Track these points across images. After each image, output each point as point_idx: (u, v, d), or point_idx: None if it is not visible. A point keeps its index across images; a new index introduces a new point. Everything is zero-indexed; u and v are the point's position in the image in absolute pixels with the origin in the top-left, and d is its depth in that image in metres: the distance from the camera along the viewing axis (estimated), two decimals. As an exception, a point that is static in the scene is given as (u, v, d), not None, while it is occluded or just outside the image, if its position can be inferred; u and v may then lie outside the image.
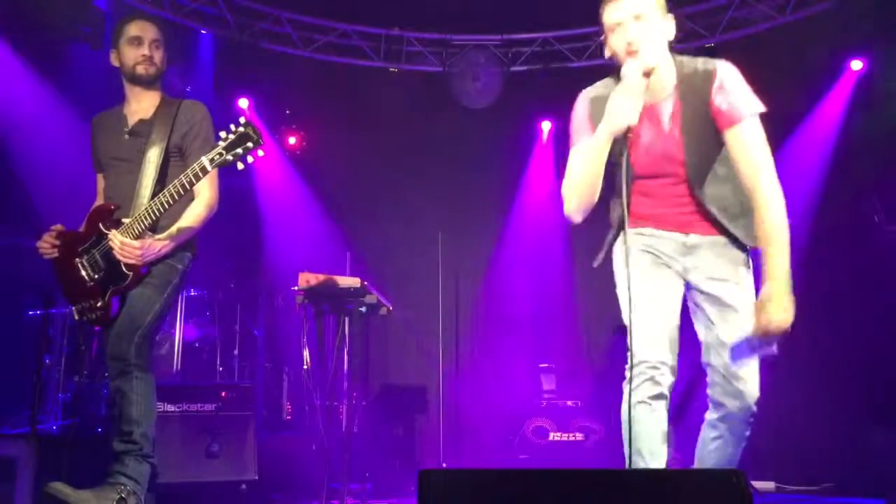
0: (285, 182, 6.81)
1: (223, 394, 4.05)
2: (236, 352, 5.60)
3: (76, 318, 2.85)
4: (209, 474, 3.82)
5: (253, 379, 5.60)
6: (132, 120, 2.94)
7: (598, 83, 2.49)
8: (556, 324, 6.57)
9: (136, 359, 2.66)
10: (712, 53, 6.10)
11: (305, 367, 4.78)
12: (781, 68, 5.65)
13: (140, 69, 2.92)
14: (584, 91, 2.50)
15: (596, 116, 2.34)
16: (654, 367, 2.29)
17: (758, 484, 4.80)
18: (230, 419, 3.97)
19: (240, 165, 2.57)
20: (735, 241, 2.37)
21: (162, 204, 2.65)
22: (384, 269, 6.35)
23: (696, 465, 2.49)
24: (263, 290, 6.24)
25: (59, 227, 2.92)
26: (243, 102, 6.67)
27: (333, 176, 6.77)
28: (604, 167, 2.30)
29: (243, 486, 3.84)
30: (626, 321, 2.35)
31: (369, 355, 5.31)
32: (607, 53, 2.37)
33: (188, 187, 2.63)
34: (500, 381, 6.39)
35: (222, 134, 2.56)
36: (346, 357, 4.52)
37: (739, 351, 2.34)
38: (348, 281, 4.27)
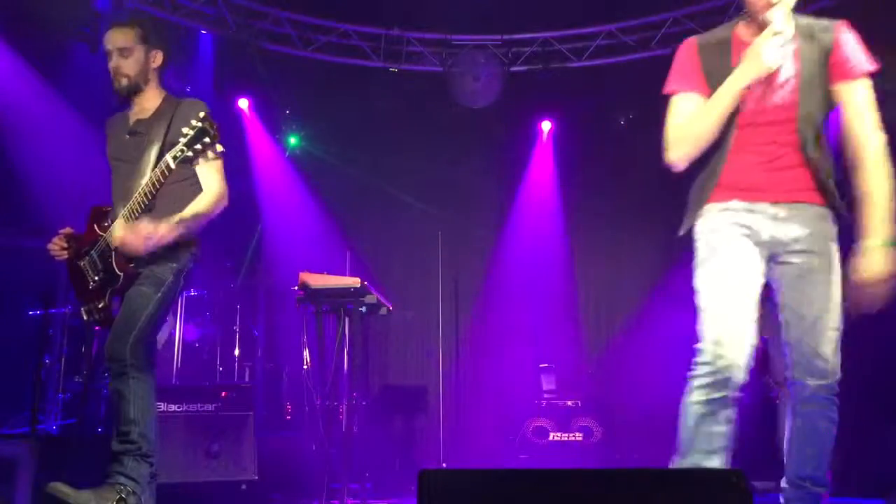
0: (285, 182, 6.81)
1: (223, 394, 4.04)
2: (236, 352, 5.60)
3: (84, 318, 2.88)
4: (209, 474, 3.81)
5: (253, 379, 5.60)
6: (133, 120, 2.95)
7: (707, 33, 2.48)
8: (556, 324, 6.57)
9: (132, 359, 2.64)
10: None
11: (305, 367, 4.78)
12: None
13: (115, 85, 2.91)
14: (690, 38, 2.49)
15: (707, 63, 2.39)
16: (719, 371, 2.22)
17: (758, 484, 4.79)
18: (230, 419, 3.97)
19: (199, 162, 2.72)
20: (823, 211, 2.33)
21: (139, 203, 2.69)
22: (384, 269, 6.35)
23: (786, 458, 2.35)
24: (263, 290, 6.24)
25: (68, 230, 2.94)
26: (243, 102, 6.67)
27: (333, 176, 6.77)
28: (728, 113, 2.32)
29: (243, 486, 3.84)
30: (701, 306, 2.27)
31: (369, 355, 5.30)
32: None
33: (157, 186, 2.67)
34: (500, 381, 6.39)
35: (184, 129, 2.60)
36: (346, 357, 4.51)
37: (822, 327, 2.27)
38: (348, 281, 4.26)
